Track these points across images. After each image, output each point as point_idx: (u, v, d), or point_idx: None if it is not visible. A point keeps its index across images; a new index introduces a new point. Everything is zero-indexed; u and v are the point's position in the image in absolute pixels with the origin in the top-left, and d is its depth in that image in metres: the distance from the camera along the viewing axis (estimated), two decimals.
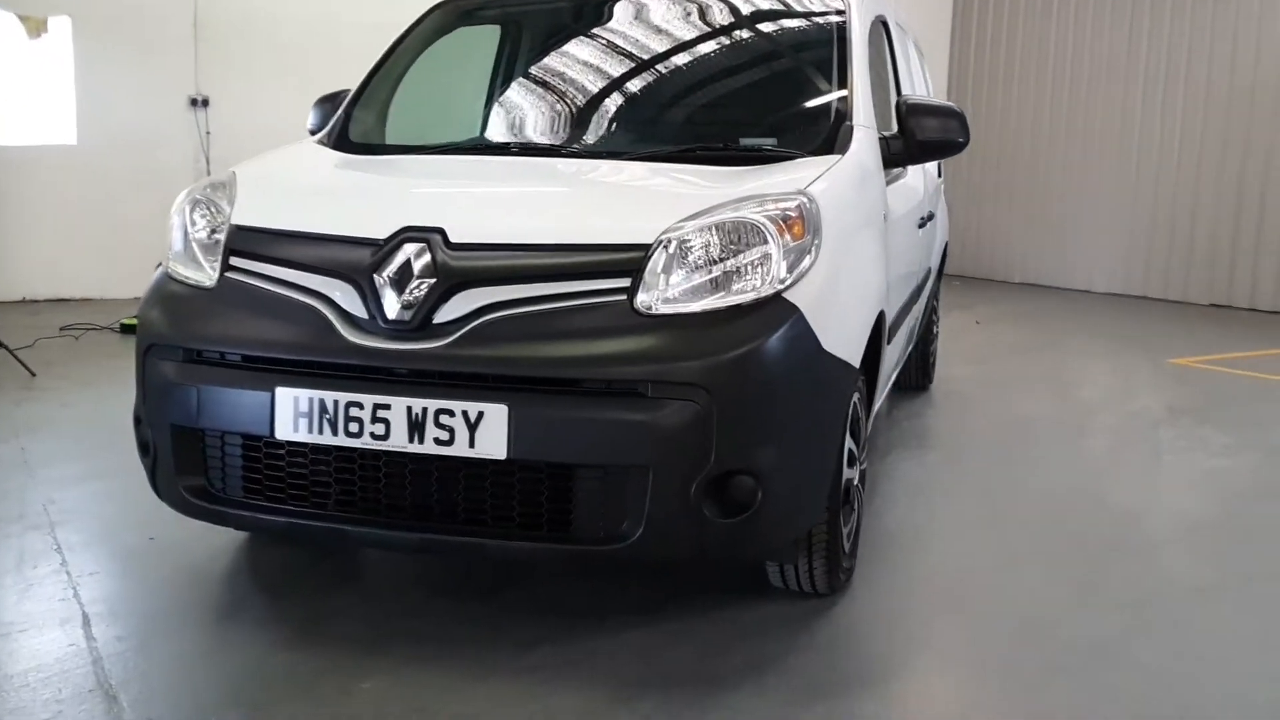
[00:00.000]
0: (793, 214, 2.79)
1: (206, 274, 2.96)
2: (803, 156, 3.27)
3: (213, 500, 2.91)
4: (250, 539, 3.56)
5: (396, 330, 2.70)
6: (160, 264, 3.14)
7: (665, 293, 2.68)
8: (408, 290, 2.70)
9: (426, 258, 2.72)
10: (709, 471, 2.61)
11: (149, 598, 3.20)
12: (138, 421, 3.06)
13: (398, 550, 3.29)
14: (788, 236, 2.75)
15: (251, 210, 3.01)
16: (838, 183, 3.10)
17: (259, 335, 2.80)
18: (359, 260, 2.77)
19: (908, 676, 2.85)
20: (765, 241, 2.72)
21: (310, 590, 3.23)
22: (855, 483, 3.24)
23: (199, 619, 3.06)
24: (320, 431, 2.71)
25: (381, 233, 2.79)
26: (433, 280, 2.70)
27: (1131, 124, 10.54)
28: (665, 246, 2.70)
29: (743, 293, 2.69)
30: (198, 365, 2.87)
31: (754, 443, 2.65)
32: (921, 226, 4.60)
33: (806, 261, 2.77)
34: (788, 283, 2.72)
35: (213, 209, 3.05)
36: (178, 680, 2.72)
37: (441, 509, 2.74)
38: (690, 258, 2.71)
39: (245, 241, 2.94)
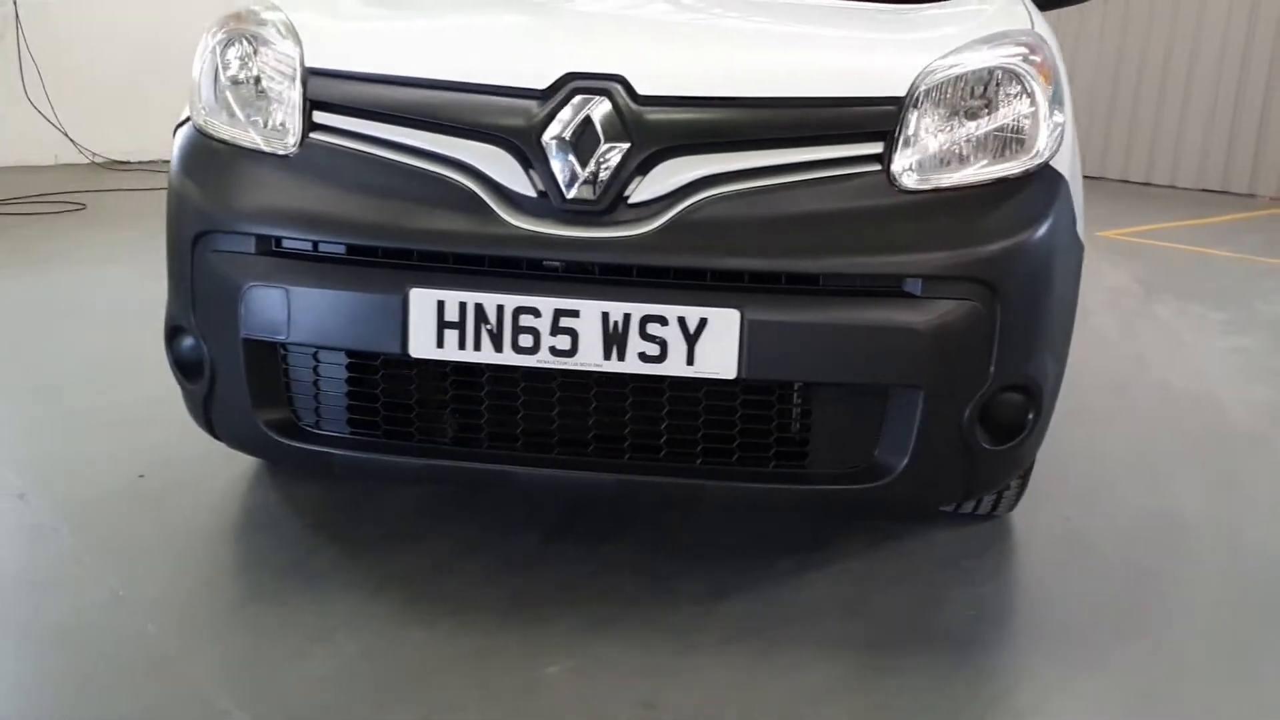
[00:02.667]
0: (1039, 61, 2.25)
1: (278, 136, 2.18)
2: None
3: (306, 438, 2.20)
4: (259, 467, 2.82)
5: (578, 212, 2.04)
6: (186, 121, 2.33)
7: (924, 160, 2.11)
8: (594, 159, 2.03)
9: (612, 115, 2.04)
10: (987, 388, 2.10)
11: (179, 557, 2.46)
12: (174, 334, 2.28)
13: (581, 496, 2.65)
14: (1047, 89, 2.22)
15: (335, 50, 2.23)
16: (1041, 21, 2.56)
17: (386, 219, 2.08)
18: (519, 117, 2.07)
19: (1157, 618, 2.40)
20: (1030, 95, 2.18)
21: (386, 538, 2.55)
22: None
23: (268, 579, 2.36)
24: (477, 347, 2.03)
25: (538, 80, 2.09)
26: (625, 146, 2.03)
27: None
28: (918, 101, 2.12)
29: (1011, 158, 2.15)
30: (286, 259, 2.12)
31: (1032, 350, 2.14)
32: None
33: (1059, 121, 2.24)
34: (1054, 149, 2.20)
35: (260, 47, 2.25)
36: (286, 673, 2.04)
37: (637, 443, 2.13)
38: (951, 115, 2.14)
39: (335, 92, 2.18)
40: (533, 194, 2.05)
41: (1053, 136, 2.18)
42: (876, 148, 2.09)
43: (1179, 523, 2.86)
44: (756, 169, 2.06)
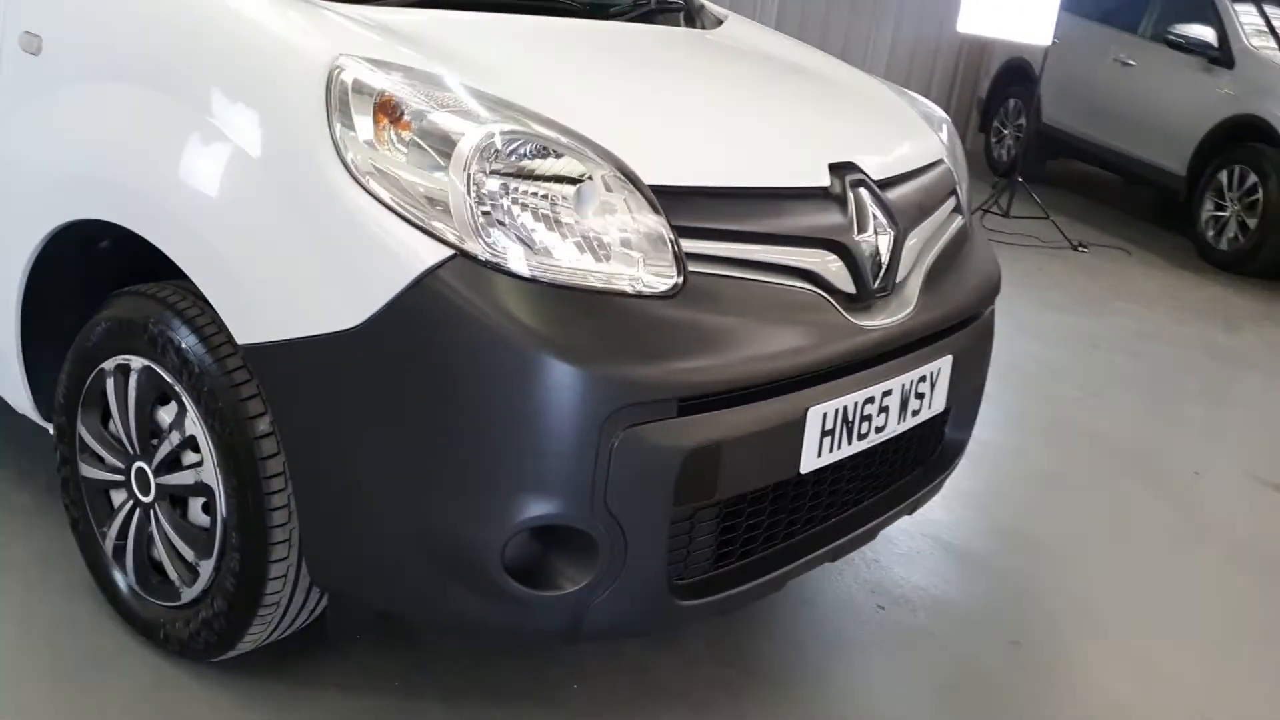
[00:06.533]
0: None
1: (657, 272, 1.88)
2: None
3: (698, 592, 2.02)
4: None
5: (879, 300, 2.23)
6: (450, 259, 1.75)
7: (961, 208, 2.70)
8: (886, 248, 2.24)
9: (878, 203, 2.26)
10: None
11: None
12: (515, 535, 1.81)
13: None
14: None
15: (656, 161, 1.95)
16: None
17: (783, 346, 2.00)
18: (833, 216, 2.17)
19: None
20: (953, 135, 2.87)
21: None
22: None
23: None
24: (837, 446, 2.15)
25: (820, 176, 2.20)
26: (894, 232, 2.27)
27: None
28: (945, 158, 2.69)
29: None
30: (708, 414, 1.90)
31: None
32: None
33: None
34: None
35: (561, 156, 1.86)
36: None
37: (876, 486, 2.42)
38: (955, 166, 2.74)
39: (683, 211, 1.94)
40: (853, 290, 2.17)
41: None
42: (954, 202, 2.63)
43: None
44: (932, 235, 2.46)
